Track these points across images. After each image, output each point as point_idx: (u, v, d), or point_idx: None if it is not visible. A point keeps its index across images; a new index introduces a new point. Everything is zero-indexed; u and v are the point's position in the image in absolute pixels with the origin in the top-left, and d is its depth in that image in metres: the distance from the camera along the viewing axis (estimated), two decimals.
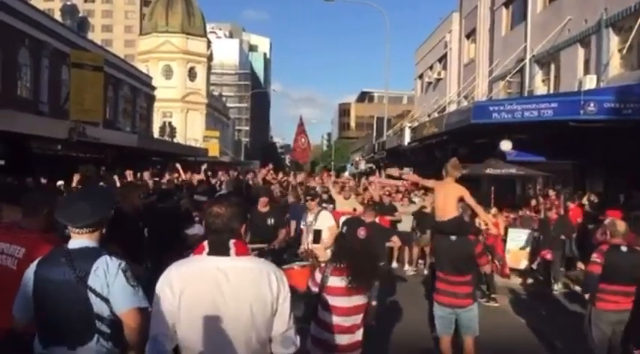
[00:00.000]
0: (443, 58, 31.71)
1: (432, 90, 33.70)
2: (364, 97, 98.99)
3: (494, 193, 14.31)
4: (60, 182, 11.85)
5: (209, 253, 2.51)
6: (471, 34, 27.30)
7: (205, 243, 2.54)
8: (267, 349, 2.54)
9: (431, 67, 34.20)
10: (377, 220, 8.75)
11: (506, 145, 14.05)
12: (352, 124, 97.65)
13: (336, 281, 3.71)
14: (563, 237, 10.80)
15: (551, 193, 14.43)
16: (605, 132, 12.57)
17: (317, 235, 7.85)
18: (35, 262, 2.80)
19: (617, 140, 12.64)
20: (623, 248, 4.88)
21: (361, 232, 3.87)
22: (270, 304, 2.47)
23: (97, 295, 2.67)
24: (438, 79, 32.28)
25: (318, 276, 3.84)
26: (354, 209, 10.31)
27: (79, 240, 2.80)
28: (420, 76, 37.40)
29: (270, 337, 2.53)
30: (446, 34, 30.57)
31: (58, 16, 34.76)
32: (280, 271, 2.60)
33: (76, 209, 2.84)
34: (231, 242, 2.52)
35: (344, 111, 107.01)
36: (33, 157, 17.76)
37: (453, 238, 5.39)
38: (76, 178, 11.47)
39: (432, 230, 7.49)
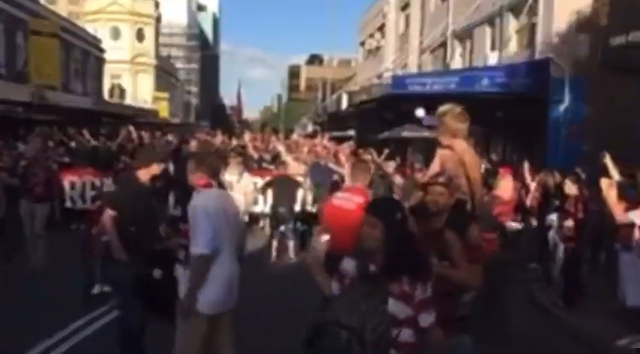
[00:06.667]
0: (382, 27, 33.77)
1: (372, 57, 35.86)
2: (314, 59, 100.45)
3: (412, 155, 16.90)
4: None
5: None
6: (405, 7, 29.47)
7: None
8: None
9: (371, 35, 36.25)
10: None
11: (420, 112, 16.48)
12: (302, 85, 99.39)
13: None
14: None
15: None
16: (500, 103, 15.13)
17: None
18: None
19: (509, 111, 15.24)
20: None
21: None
22: None
23: None
24: (378, 48, 34.42)
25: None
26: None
27: None
28: (363, 44, 39.41)
29: None
30: (385, 5, 32.61)
31: None
32: None
33: None
34: None
35: (294, 73, 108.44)
36: None
37: None
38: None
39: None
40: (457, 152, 4.24)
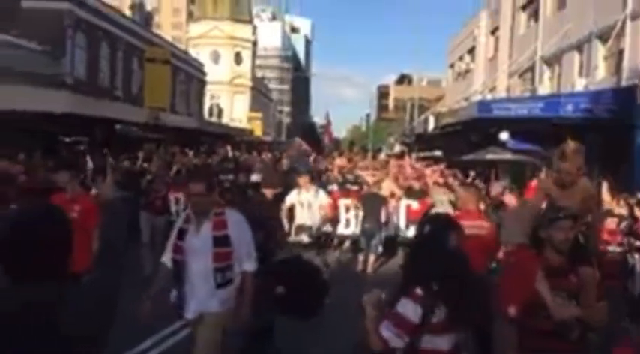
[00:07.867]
0: (472, 50, 34.16)
1: (461, 79, 36.24)
2: (403, 79, 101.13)
3: (495, 176, 17.43)
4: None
5: None
6: (495, 31, 29.82)
7: None
8: None
9: (461, 58, 36.68)
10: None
11: (504, 136, 16.98)
12: (391, 105, 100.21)
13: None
14: None
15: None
16: (584, 128, 15.39)
17: None
18: None
19: (595, 136, 15.44)
20: None
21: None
22: None
23: None
24: (467, 70, 34.81)
25: (410, 309, 2.62)
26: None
27: None
28: (452, 66, 39.85)
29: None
30: (475, 28, 33.03)
31: (127, 11, 38.81)
32: None
33: None
34: None
35: (383, 93, 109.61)
36: (115, 139, 21.47)
37: None
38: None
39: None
40: (583, 189, 4.46)
